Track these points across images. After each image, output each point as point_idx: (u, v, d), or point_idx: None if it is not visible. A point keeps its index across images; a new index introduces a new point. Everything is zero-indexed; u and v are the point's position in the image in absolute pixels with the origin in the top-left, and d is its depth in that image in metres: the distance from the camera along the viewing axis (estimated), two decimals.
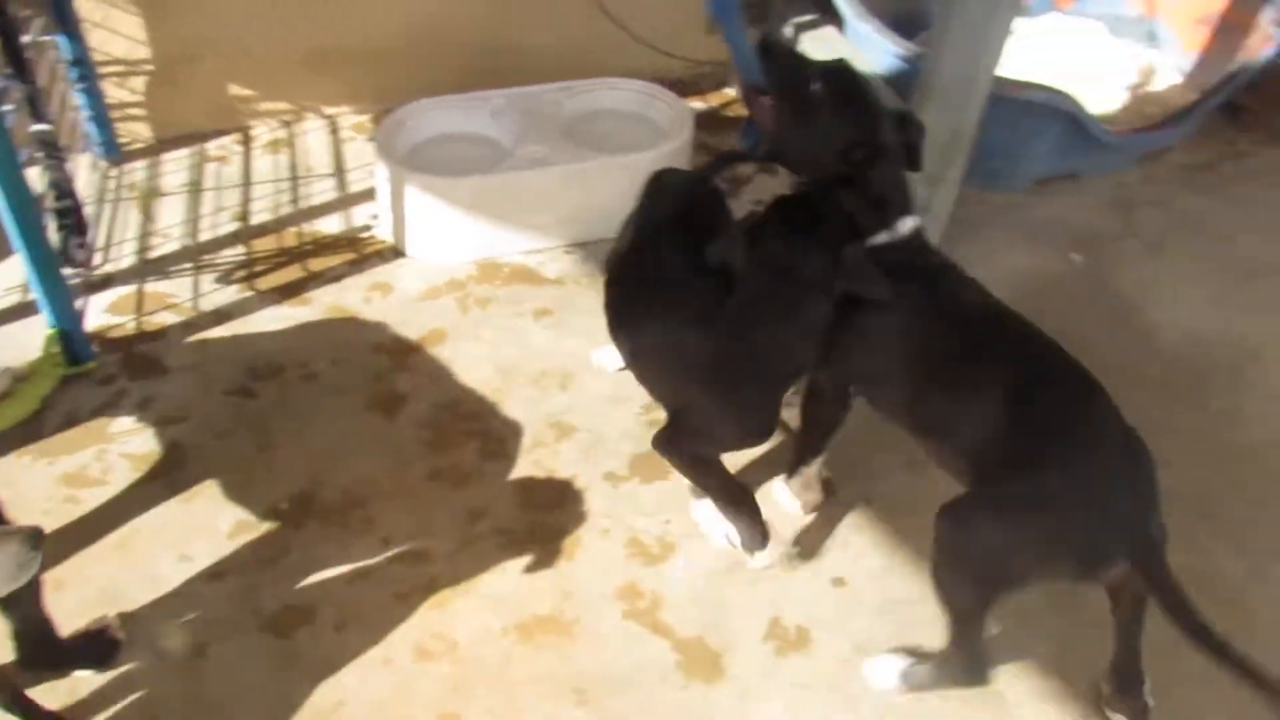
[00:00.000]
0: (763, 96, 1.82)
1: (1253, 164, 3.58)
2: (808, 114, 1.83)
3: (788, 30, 3.48)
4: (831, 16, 3.39)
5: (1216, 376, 2.73)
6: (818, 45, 3.37)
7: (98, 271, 2.82)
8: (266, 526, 2.21)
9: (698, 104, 3.62)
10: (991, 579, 1.73)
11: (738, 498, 2.08)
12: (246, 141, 3.36)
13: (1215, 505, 2.39)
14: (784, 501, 2.28)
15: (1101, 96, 3.69)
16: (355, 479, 2.31)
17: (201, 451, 2.36)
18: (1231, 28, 3.56)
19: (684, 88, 3.69)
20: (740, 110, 3.62)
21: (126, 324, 2.67)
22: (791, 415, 2.41)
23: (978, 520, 1.72)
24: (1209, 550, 2.28)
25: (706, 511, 2.18)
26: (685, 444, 2.04)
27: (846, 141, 1.81)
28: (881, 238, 1.85)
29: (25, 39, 2.59)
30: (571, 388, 2.55)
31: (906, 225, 1.88)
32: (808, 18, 3.45)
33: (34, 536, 1.53)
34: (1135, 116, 3.58)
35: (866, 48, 3.26)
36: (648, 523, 2.25)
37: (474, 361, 2.61)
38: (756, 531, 2.09)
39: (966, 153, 2.77)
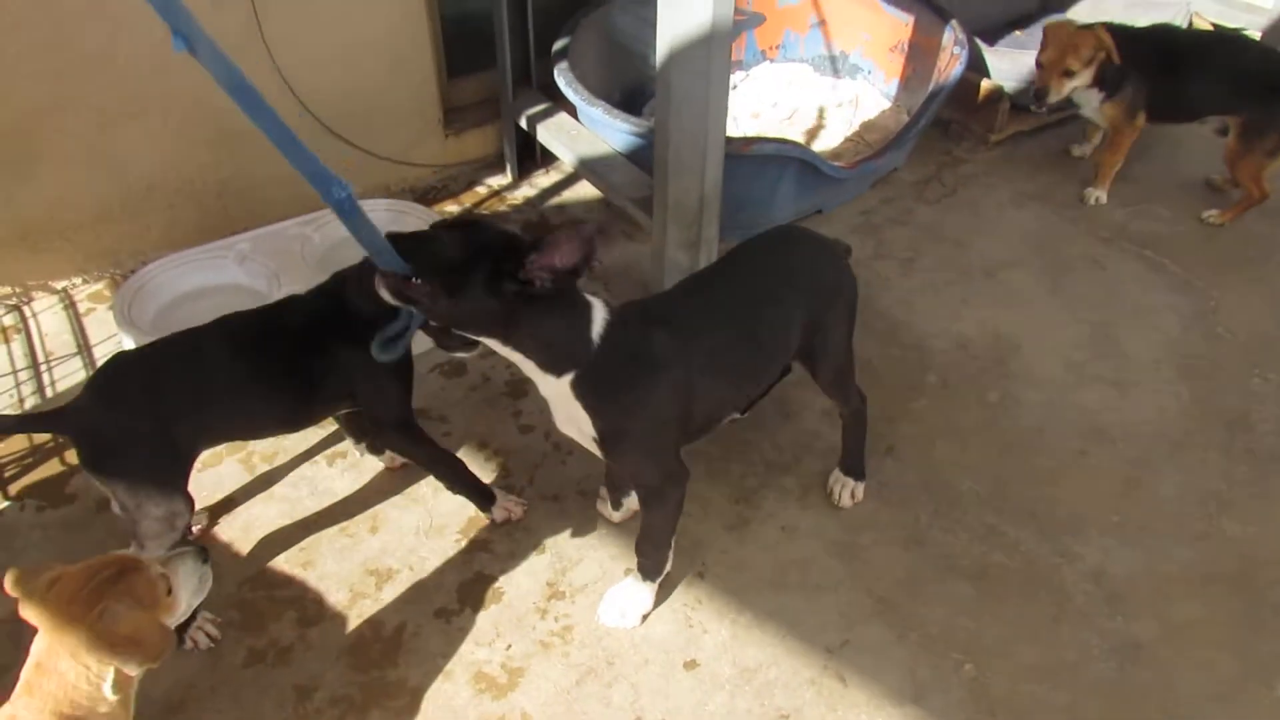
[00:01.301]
0: (413, 281, 1.70)
1: (968, 169, 3.90)
2: (456, 276, 1.69)
3: (522, 122, 3.54)
4: (564, 104, 3.47)
5: (987, 372, 2.93)
6: (554, 134, 3.44)
7: None
8: None
9: (452, 207, 3.61)
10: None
11: (453, 464, 2.38)
12: None
13: (1011, 495, 2.55)
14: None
15: (827, 132, 3.94)
16: (167, 683, 2.12)
17: None
18: (921, 53, 3.88)
19: (435, 194, 3.69)
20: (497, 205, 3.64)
21: None
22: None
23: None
24: (1018, 542, 2.43)
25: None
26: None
27: (495, 274, 1.68)
28: (599, 321, 1.82)
29: None
30: (383, 528, 2.45)
31: (601, 315, 1.84)
32: (541, 107, 3.52)
33: (203, 550, 1.77)
34: (860, 146, 3.84)
35: (601, 130, 3.35)
36: (489, 652, 2.18)
37: (272, 524, 2.46)
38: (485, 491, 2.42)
39: (717, 211, 2.87)
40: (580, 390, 1.85)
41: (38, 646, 1.55)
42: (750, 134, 3.84)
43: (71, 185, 3.07)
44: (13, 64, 2.80)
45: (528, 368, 1.83)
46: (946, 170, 3.89)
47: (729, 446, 2.66)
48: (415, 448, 2.34)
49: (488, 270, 1.67)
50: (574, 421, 1.93)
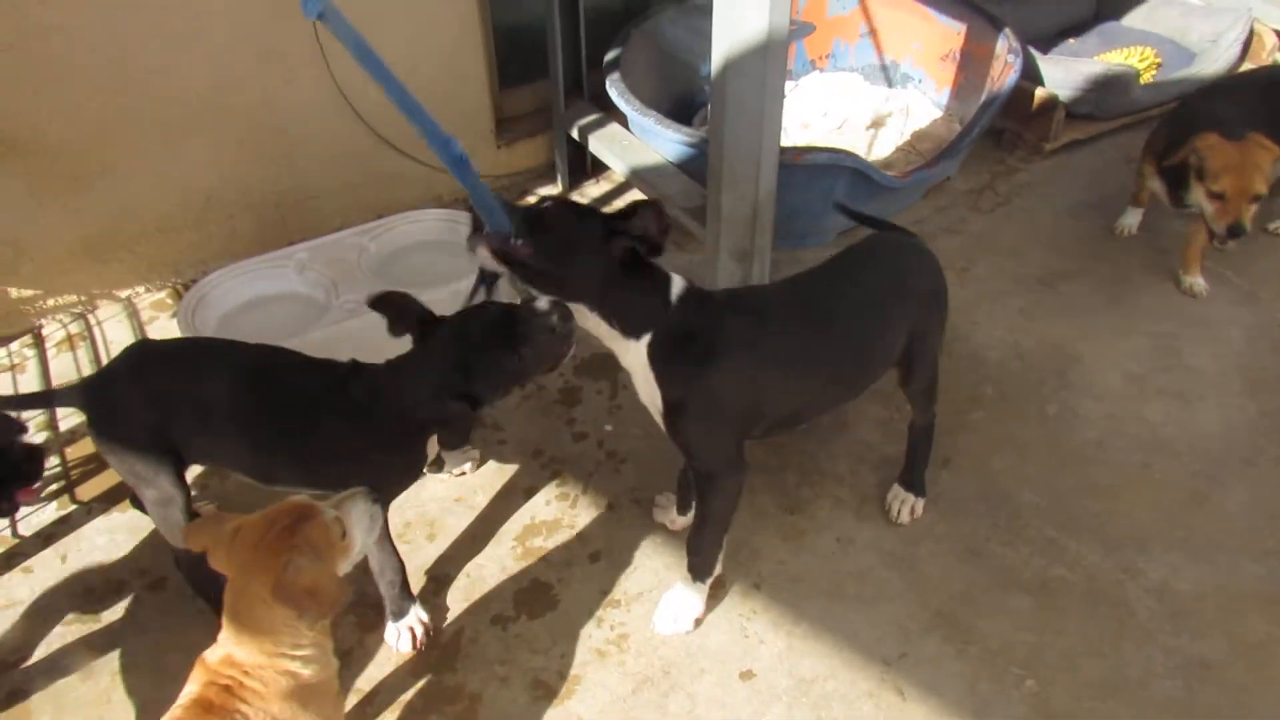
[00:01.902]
0: (515, 240, 1.87)
1: (1022, 178, 3.86)
2: (566, 238, 1.86)
3: (574, 133, 3.56)
4: (615, 115, 3.49)
5: (1046, 384, 2.89)
6: (606, 144, 3.45)
7: None
8: None
9: None
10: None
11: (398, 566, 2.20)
12: (39, 342, 3.14)
13: (1071, 508, 2.51)
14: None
15: (879, 142, 3.92)
16: None
17: (47, 696, 2.15)
18: (974, 61, 3.85)
19: None
20: None
21: None
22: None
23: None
24: (1079, 556, 2.39)
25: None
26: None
27: (606, 236, 1.86)
28: (678, 287, 1.95)
29: None
30: (440, 535, 2.47)
31: (679, 283, 1.96)
32: (593, 117, 3.54)
33: (371, 490, 1.81)
34: (912, 155, 3.82)
35: (653, 140, 3.36)
36: (545, 659, 2.18)
37: None
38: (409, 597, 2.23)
39: (770, 221, 2.86)
40: (653, 356, 1.95)
41: (229, 594, 1.64)
42: (801, 144, 3.83)
43: (135, 197, 3.14)
44: (79, 80, 2.87)
45: (608, 335, 1.95)
46: (1000, 179, 3.85)
47: (785, 456, 2.65)
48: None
49: (593, 238, 1.84)
50: (650, 393, 2.01)
